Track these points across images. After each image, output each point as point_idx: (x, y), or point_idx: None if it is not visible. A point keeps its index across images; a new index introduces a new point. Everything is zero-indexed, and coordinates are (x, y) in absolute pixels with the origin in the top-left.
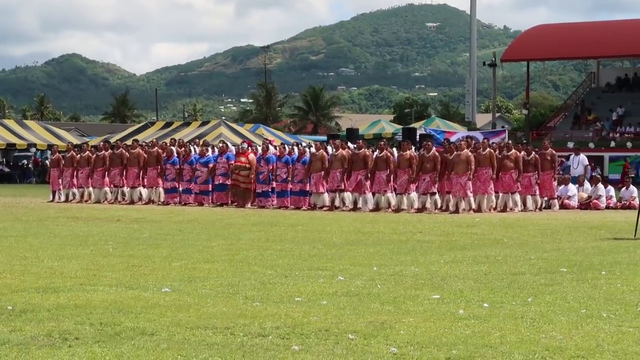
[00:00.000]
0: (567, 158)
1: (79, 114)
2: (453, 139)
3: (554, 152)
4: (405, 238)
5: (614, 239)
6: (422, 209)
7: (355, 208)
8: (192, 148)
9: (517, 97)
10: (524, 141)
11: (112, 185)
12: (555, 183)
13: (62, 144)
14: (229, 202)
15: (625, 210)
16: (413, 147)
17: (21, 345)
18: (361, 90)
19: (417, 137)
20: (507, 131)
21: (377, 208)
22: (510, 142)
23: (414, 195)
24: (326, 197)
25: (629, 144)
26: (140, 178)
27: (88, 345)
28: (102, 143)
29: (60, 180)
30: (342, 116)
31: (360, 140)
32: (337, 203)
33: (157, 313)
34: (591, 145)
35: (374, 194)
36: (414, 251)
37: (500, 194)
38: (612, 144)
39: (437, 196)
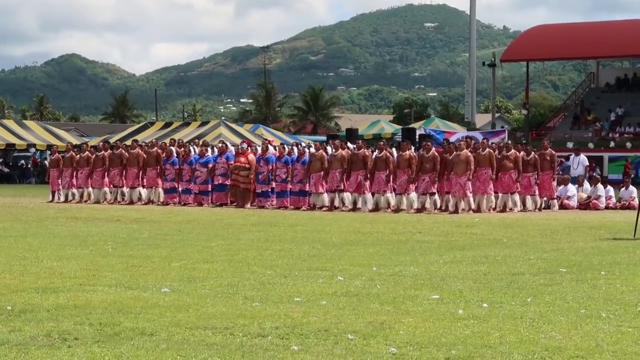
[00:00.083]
0: (567, 158)
1: (78, 114)
2: (453, 139)
3: (553, 152)
4: (405, 238)
5: (614, 239)
6: (421, 209)
7: (354, 208)
8: (191, 148)
9: (517, 97)
10: (524, 141)
11: (111, 186)
12: (554, 183)
13: (62, 144)
14: (229, 202)
15: (625, 211)
16: (412, 147)
17: (20, 345)
18: (361, 90)
19: (417, 137)
20: (506, 131)
21: (376, 208)
22: (509, 142)
23: (413, 195)
24: (326, 198)
25: (628, 144)
26: (140, 178)
27: (87, 345)
28: (101, 143)
29: (59, 181)
30: (341, 116)
31: (360, 141)
32: (336, 203)
33: (157, 313)
34: (591, 145)
35: (373, 194)
36: (414, 251)
37: (500, 194)
38: (612, 144)
39: (436, 196)
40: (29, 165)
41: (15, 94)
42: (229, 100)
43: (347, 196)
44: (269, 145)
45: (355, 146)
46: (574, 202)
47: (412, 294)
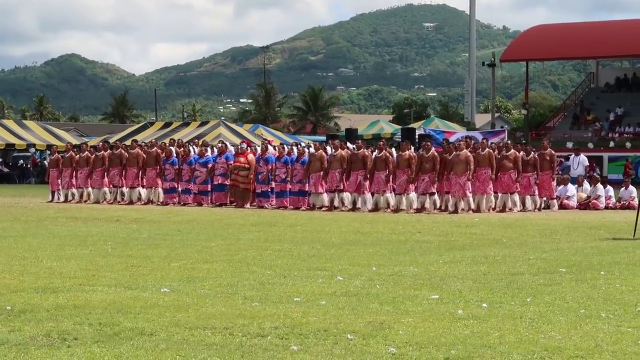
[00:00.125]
0: (567, 158)
1: (78, 114)
2: (452, 139)
3: (553, 152)
4: (404, 238)
5: (613, 239)
6: (421, 209)
7: (354, 208)
8: (191, 148)
9: (516, 97)
10: (523, 141)
11: (111, 186)
12: (554, 183)
13: (61, 144)
14: (228, 202)
15: (625, 211)
16: (412, 147)
17: (20, 345)
18: (360, 90)
19: (416, 137)
20: (506, 131)
21: (376, 208)
22: (509, 142)
23: (413, 195)
24: (325, 198)
25: (628, 144)
26: (140, 178)
27: (87, 345)
28: (101, 143)
29: (59, 181)
30: (341, 116)
31: (359, 141)
32: (336, 203)
33: (156, 313)
34: (590, 145)
35: (373, 194)
36: (413, 251)
37: (500, 194)
38: (611, 144)
39: (436, 196)
40: (29, 166)
41: (15, 94)
42: (229, 100)
43: (347, 196)
44: (268, 145)
45: (354, 146)
46: (573, 202)
47: (411, 294)
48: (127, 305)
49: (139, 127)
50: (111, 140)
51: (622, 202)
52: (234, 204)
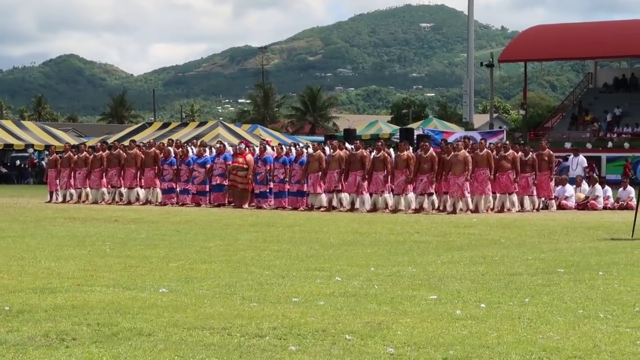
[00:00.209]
0: (566, 159)
1: (76, 115)
2: (451, 139)
3: (551, 152)
4: (403, 239)
5: (611, 240)
6: (419, 209)
7: (352, 209)
8: (189, 149)
9: (515, 97)
10: (522, 142)
11: (109, 186)
12: (552, 183)
13: (60, 144)
14: (226, 202)
15: (623, 211)
16: (410, 148)
17: (18, 345)
18: (359, 90)
19: (415, 137)
20: (505, 131)
21: (374, 209)
22: (507, 142)
23: (411, 195)
24: (324, 198)
25: (626, 145)
26: (138, 178)
27: (85, 345)
28: (99, 144)
29: (57, 181)
30: (339, 117)
31: (358, 141)
32: (334, 203)
33: (155, 313)
34: (589, 145)
35: (371, 195)
36: (411, 252)
37: (498, 195)
38: (610, 144)
39: (434, 197)
40: (27, 166)
41: (13, 94)
42: (227, 100)
43: (345, 196)
44: (266, 145)
45: (353, 146)
46: (571, 203)
47: (409, 295)
48: (126, 306)
49: (138, 127)
50: (109, 141)
51: (620, 203)
52: (233, 204)
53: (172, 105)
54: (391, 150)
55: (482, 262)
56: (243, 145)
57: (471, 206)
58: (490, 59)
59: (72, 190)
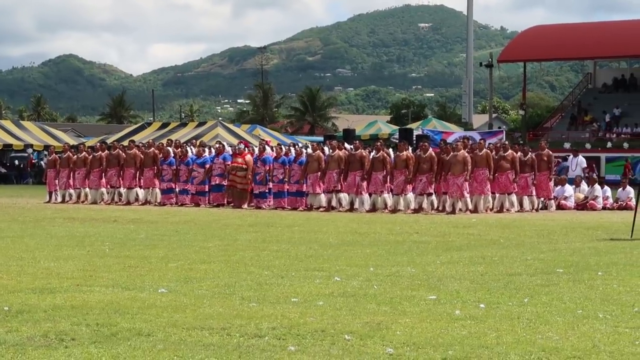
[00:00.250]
0: (565, 159)
1: (75, 115)
2: (451, 139)
3: (550, 152)
4: (402, 239)
5: (611, 240)
6: (418, 209)
7: (351, 209)
8: (188, 149)
9: (514, 97)
10: (521, 142)
11: (108, 186)
12: (551, 184)
13: (59, 144)
14: (226, 202)
15: (622, 211)
16: (410, 148)
17: (17, 346)
18: (358, 91)
19: (414, 137)
20: (504, 132)
21: (373, 209)
22: (506, 142)
23: (410, 195)
24: (323, 198)
25: (625, 145)
26: (137, 179)
27: (84, 345)
28: (98, 144)
29: (56, 181)
30: (338, 117)
31: (357, 141)
32: (333, 204)
33: (154, 314)
34: (588, 146)
35: (370, 195)
36: (411, 252)
37: (497, 195)
38: (609, 144)
39: (433, 197)
40: (27, 166)
41: (12, 94)
42: (226, 100)
43: (345, 197)
44: (266, 145)
45: (352, 147)
46: (571, 203)
47: (409, 295)
48: (125, 306)
49: (137, 127)
50: (109, 141)
51: (619, 203)
52: (232, 204)
53: (171, 106)
54: (390, 150)
55: (481, 263)
56: (242, 146)
57: (470, 206)
58: (490, 59)
59: (71, 191)
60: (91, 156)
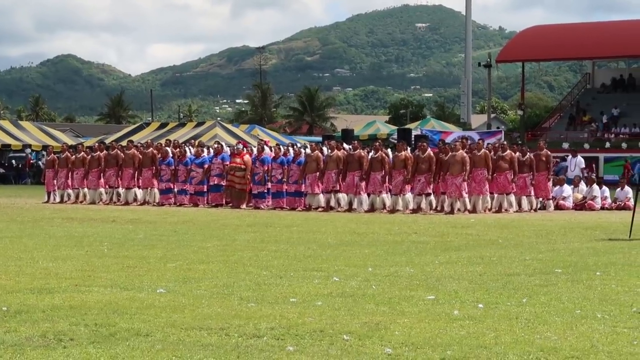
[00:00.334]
0: (564, 159)
1: (74, 115)
2: (450, 139)
3: (549, 152)
4: (400, 239)
5: (609, 240)
6: (417, 209)
7: (350, 209)
8: (187, 149)
9: (512, 97)
10: (519, 142)
11: (107, 186)
12: (550, 184)
13: (57, 144)
14: (224, 203)
15: (620, 211)
16: (408, 148)
17: (16, 346)
18: (356, 91)
19: (412, 138)
20: (503, 132)
21: (372, 209)
22: (505, 142)
23: (409, 196)
24: (321, 198)
25: (624, 145)
26: (135, 179)
27: (83, 346)
28: (97, 144)
29: (55, 181)
30: (337, 117)
31: (356, 141)
32: (332, 204)
33: (152, 314)
34: (586, 146)
35: (369, 195)
36: (409, 252)
37: (495, 195)
38: (607, 144)
39: (432, 197)
40: (25, 166)
41: (10, 94)
42: (225, 100)
43: (343, 197)
44: (264, 145)
45: (351, 147)
46: (569, 203)
47: (407, 295)
48: (123, 306)
49: (135, 127)
50: (107, 141)
51: (617, 203)
52: (230, 204)
53: (170, 106)
54: (389, 150)
55: (479, 263)
56: (241, 146)
57: (469, 206)
58: (488, 59)
59: (70, 191)
60: (89, 156)
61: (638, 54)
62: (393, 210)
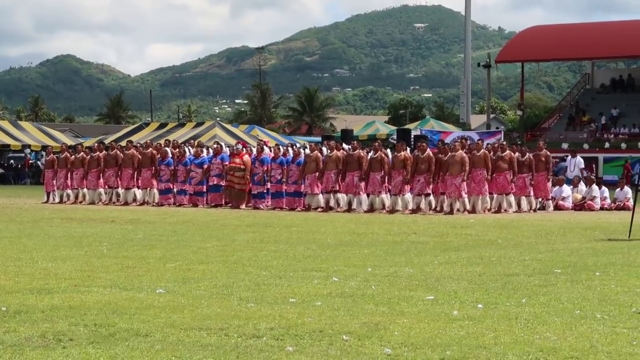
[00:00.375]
0: (563, 159)
1: (73, 115)
2: (449, 139)
3: (548, 153)
4: (400, 239)
5: (608, 240)
6: (416, 210)
7: (349, 209)
8: (186, 149)
9: (512, 98)
10: (519, 142)
11: (106, 187)
12: (549, 184)
13: (57, 145)
14: (224, 203)
15: (620, 212)
16: (407, 148)
17: (15, 346)
18: (356, 91)
19: (412, 138)
20: (502, 132)
21: (371, 209)
22: (504, 143)
23: (408, 196)
24: (321, 198)
25: (623, 145)
26: (135, 179)
27: (82, 346)
28: (96, 144)
29: (54, 182)
30: (336, 117)
31: (355, 142)
32: (331, 204)
33: (152, 314)
34: (586, 146)
35: (368, 195)
36: (408, 252)
37: (495, 195)
38: (607, 145)
39: (431, 197)
40: (24, 166)
41: (10, 94)
42: (224, 101)
43: (342, 197)
44: (264, 146)
45: (350, 147)
46: (568, 203)
47: (407, 295)
48: (123, 306)
49: (135, 128)
50: (106, 141)
51: (617, 203)
52: (230, 205)
53: (169, 106)
54: (388, 150)
55: (479, 263)
56: (240, 146)
57: (468, 207)
58: (488, 60)
59: (69, 191)
60: (89, 156)
61: (637, 55)
62: (392, 211)
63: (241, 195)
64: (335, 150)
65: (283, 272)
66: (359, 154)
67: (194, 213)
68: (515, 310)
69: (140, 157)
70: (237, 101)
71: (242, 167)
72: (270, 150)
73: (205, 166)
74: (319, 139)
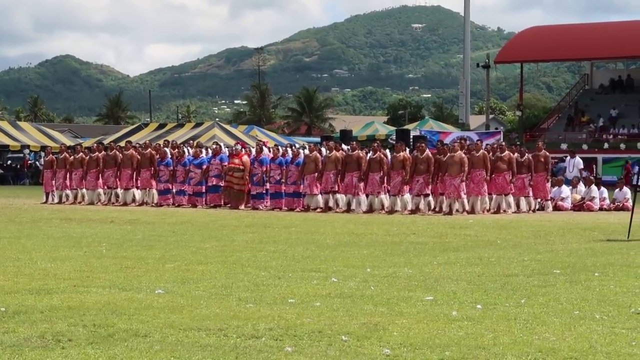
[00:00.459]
0: (562, 160)
1: (72, 116)
2: (449, 139)
3: (547, 153)
4: (399, 240)
5: (607, 241)
6: (415, 210)
7: (348, 209)
8: (185, 149)
9: (511, 98)
10: (518, 143)
11: (105, 187)
12: (548, 185)
13: (56, 145)
14: (223, 203)
15: (619, 212)
16: (407, 149)
17: (14, 346)
18: (355, 91)
19: (411, 138)
20: (501, 132)
21: (370, 210)
22: (503, 143)
23: (407, 196)
24: (320, 199)
25: (622, 146)
26: (134, 179)
27: (81, 346)
28: (95, 144)
29: (53, 182)
30: (335, 118)
31: (354, 142)
32: (330, 204)
33: (151, 314)
34: (585, 146)
35: (367, 196)
36: (408, 253)
37: (494, 196)
38: (606, 145)
39: (430, 198)
40: (23, 167)
41: (9, 95)
42: (223, 101)
43: (342, 197)
44: (263, 146)
45: (349, 147)
46: (567, 204)
47: (406, 296)
48: (122, 307)
49: (134, 128)
50: (105, 142)
51: (616, 204)
52: (229, 205)
53: (168, 106)
54: (387, 151)
55: (478, 263)
56: (239, 146)
57: (467, 207)
58: (487, 60)
59: (68, 191)
60: (88, 157)
61: (636, 55)
62: (391, 211)
63: (240, 195)
64: (334, 151)
65: (282, 273)
66: (358, 155)
67: (193, 213)
68: (514, 310)
69: (139, 157)
70: (236, 101)
71: (241, 167)
72: (270, 151)
73: (205, 167)
74: (318, 139)
